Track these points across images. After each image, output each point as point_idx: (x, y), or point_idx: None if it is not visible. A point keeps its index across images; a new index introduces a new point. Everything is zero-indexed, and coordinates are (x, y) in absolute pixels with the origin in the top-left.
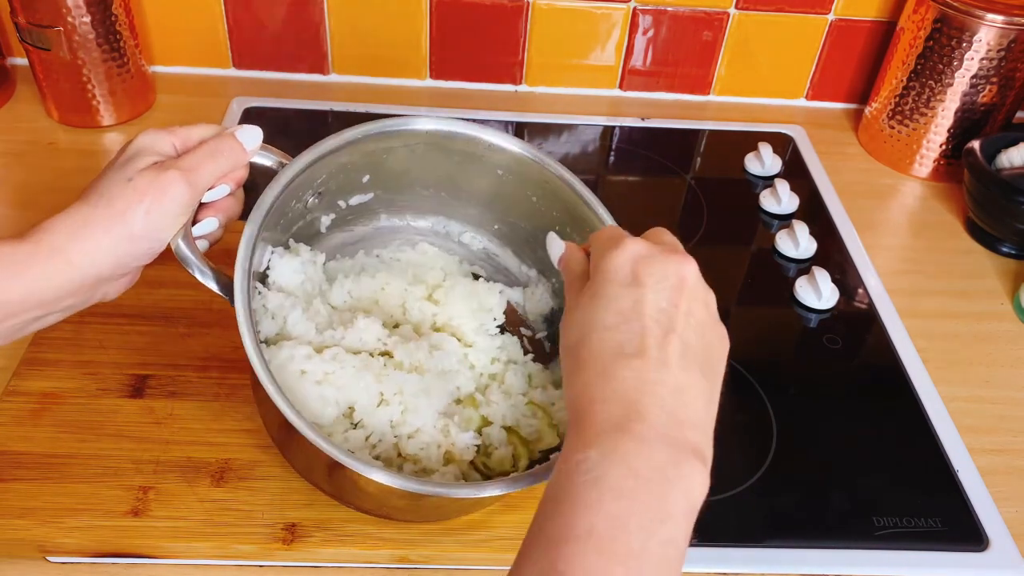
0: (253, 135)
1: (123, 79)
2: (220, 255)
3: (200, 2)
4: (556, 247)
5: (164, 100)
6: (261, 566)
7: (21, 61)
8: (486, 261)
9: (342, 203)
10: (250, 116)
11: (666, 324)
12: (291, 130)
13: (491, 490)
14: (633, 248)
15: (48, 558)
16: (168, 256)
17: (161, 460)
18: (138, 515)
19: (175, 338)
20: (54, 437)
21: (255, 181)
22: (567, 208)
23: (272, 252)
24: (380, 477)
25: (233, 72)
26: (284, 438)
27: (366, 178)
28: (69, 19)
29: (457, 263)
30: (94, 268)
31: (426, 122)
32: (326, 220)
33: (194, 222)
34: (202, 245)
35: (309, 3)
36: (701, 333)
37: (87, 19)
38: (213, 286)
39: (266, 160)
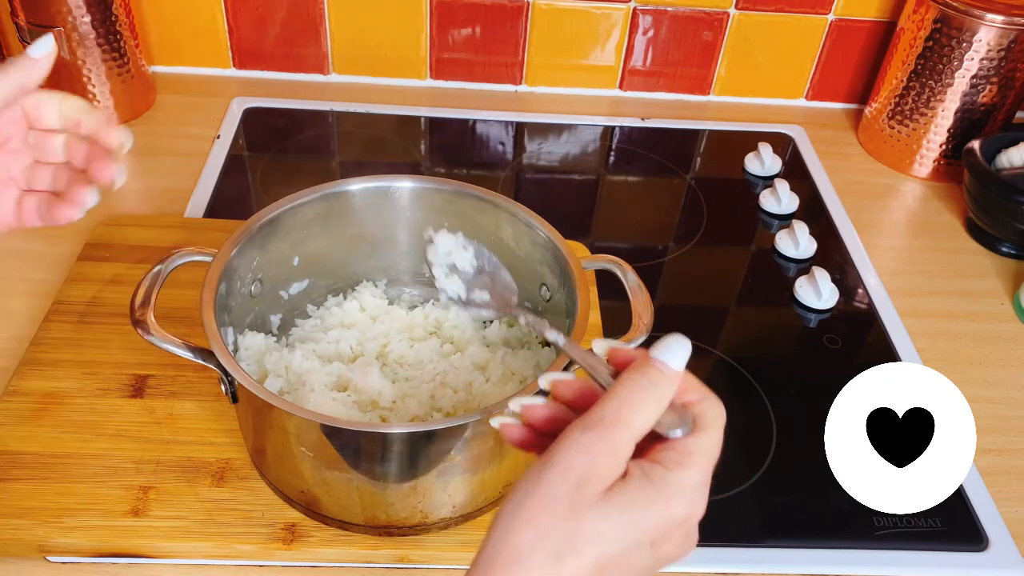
0: (43, 42)
1: (123, 79)
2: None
3: (200, 2)
4: (598, 349)
5: (164, 100)
6: (261, 566)
7: None
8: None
9: (284, 294)
10: (250, 116)
11: None
12: (291, 130)
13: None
14: (695, 508)
15: (48, 558)
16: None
17: (161, 460)
18: (138, 515)
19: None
20: (54, 437)
21: None
22: (475, 219)
23: (235, 335)
24: (322, 412)
25: (233, 72)
26: (259, 449)
27: (296, 260)
28: (69, 19)
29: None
30: None
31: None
32: (275, 320)
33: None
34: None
35: (309, 3)
36: None
37: (87, 19)
38: (186, 354)
39: (204, 258)
